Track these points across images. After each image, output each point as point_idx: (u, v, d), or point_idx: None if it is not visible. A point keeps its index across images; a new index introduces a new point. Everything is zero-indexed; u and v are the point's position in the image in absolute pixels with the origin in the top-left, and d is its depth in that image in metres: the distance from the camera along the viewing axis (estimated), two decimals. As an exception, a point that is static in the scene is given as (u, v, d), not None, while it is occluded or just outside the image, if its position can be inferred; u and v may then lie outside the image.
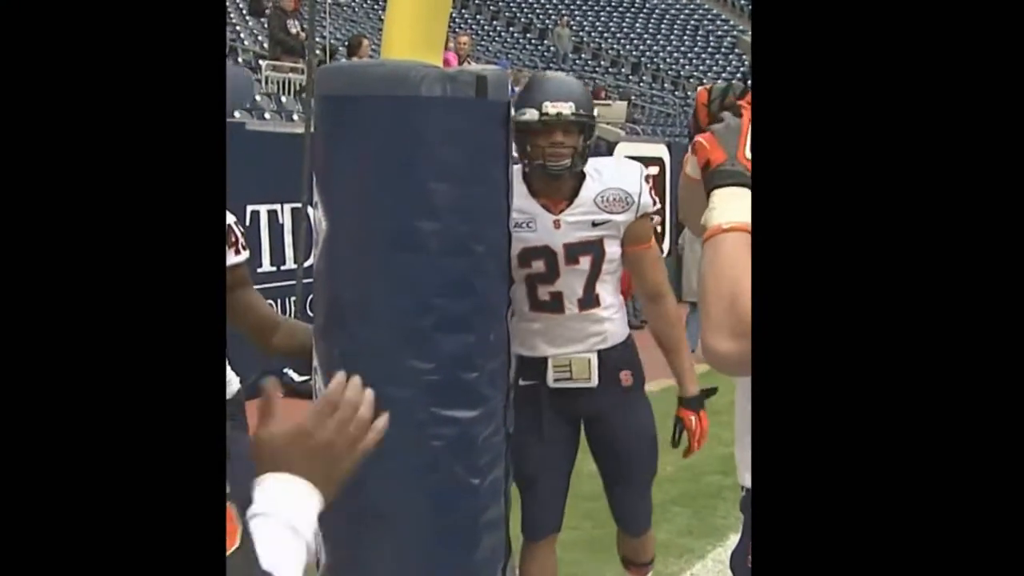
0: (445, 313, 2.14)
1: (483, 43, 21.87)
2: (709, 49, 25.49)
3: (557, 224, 2.69)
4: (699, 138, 1.46)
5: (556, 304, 2.74)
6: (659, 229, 8.57)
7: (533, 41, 24.91)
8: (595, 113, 2.72)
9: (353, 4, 20.30)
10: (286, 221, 6.73)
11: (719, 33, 25.92)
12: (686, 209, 1.90)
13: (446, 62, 2.50)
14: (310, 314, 2.40)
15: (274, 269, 6.61)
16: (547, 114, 2.61)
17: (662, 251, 3.03)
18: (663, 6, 27.10)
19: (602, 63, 24.46)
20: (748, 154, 1.43)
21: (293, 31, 11.06)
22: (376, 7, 19.93)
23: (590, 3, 27.23)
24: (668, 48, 25.63)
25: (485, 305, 2.21)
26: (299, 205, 6.24)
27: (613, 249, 2.73)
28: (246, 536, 0.96)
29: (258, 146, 6.27)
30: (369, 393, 1.14)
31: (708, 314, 1.32)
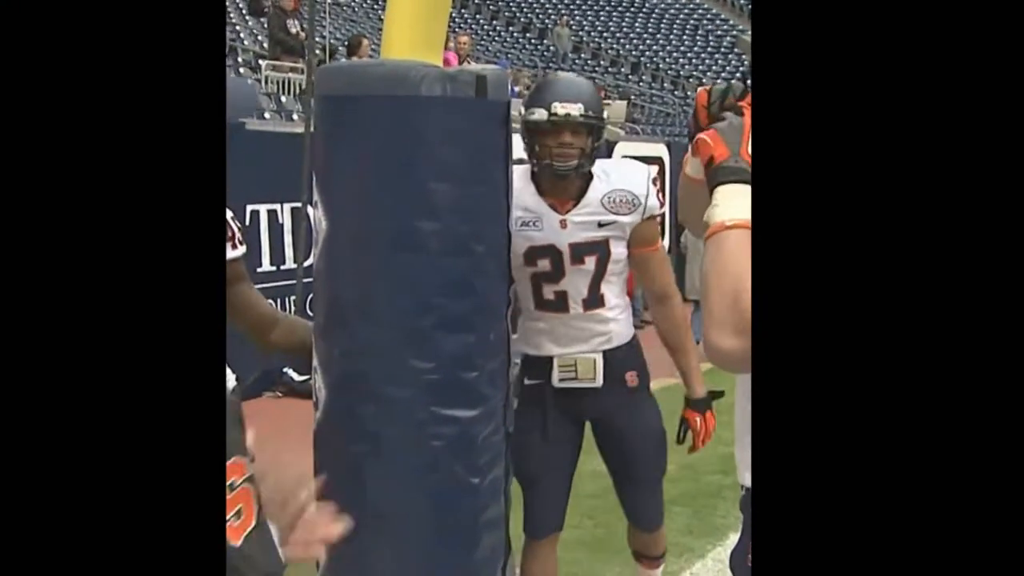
0: (445, 313, 2.15)
1: (483, 43, 21.87)
2: (709, 49, 25.48)
3: (563, 224, 2.70)
4: (702, 135, 1.46)
5: (561, 303, 2.76)
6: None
7: (533, 41, 24.90)
8: (605, 115, 2.73)
9: (353, 4, 20.30)
10: (286, 221, 6.73)
11: (719, 33, 25.91)
12: (686, 210, 1.90)
13: (446, 62, 2.49)
14: (310, 314, 2.40)
15: (274, 269, 6.61)
16: (556, 114, 2.62)
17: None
18: (662, 6, 27.09)
19: (602, 63, 24.46)
20: (751, 150, 1.43)
21: (293, 31, 11.06)
22: (376, 7, 19.92)
23: (590, 3, 27.21)
24: (668, 48, 25.62)
25: (485, 305, 2.21)
26: (299, 205, 6.25)
27: (619, 250, 2.74)
28: (261, 517, 0.96)
29: (258, 146, 6.27)
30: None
31: (711, 311, 1.32)
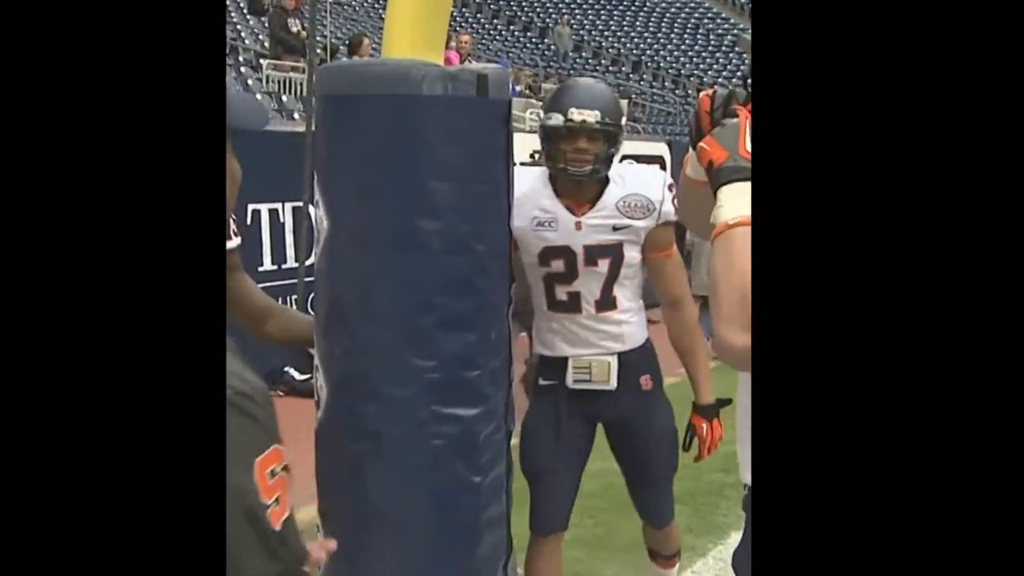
0: (446, 312, 2.15)
1: (484, 42, 21.87)
2: (710, 48, 25.47)
3: (578, 226, 2.73)
4: (701, 144, 1.49)
5: (574, 304, 2.79)
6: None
7: (533, 40, 24.89)
8: (623, 121, 2.76)
9: (354, 3, 20.29)
10: (287, 220, 6.73)
11: (719, 32, 25.90)
12: (686, 211, 1.90)
13: (447, 61, 2.50)
14: (311, 312, 2.40)
15: (275, 268, 6.61)
16: (572, 120, 2.66)
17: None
18: (663, 5, 27.08)
19: (602, 62, 24.45)
20: (748, 147, 1.44)
21: (294, 30, 11.06)
22: (377, 6, 19.92)
23: (590, 2, 27.21)
24: (668, 47, 25.61)
25: (486, 304, 2.21)
26: (300, 204, 6.24)
27: (632, 254, 2.77)
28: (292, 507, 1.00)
29: (259, 145, 6.26)
30: None
31: (720, 308, 1.33)
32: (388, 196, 2.13)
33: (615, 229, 2.73)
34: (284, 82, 11.18)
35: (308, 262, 3.26)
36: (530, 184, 2.73)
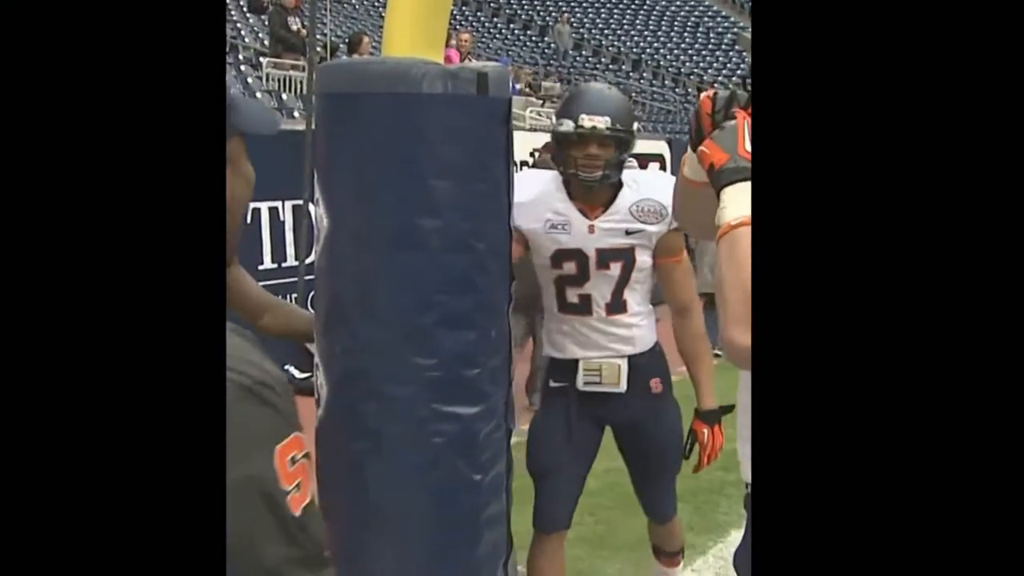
0: (446, 310, 2.14)
1: (483, 40, 21.87)
2: (709, 46, 25.46)
3: (591, 229, 2.76)
4: (701, 148, 1.51)
5: (585, 307, 2.82)
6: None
7: (533, 38, 24.89)
8: (635, 127, 2.79)
9: (353, 1, 20.29)
10: (287, 218, 6.73)
11: (719, 30, 25.89)
12: (683, 212, 1.90)
13: (447, 59, 2.50)
14: (311, 311, 2.40)
15: (275, 266, 6.62)
16: (582, 127, 2.69)
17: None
18: (663, 3, 27.06)
19: (602, 60, 24.44)
20: (748, 146, 1.44)
21: (294, 28, 11.05)
22: (376, 4, 19.92)
23: (590, 0, 27.20)
24: (668, 45, 25.60)
25: (486, 302, 2.21)
26: (300, 202, 6.24)
27: (644, 258, 2.80)
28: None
29: (259, 143, 6.25)
30: None
31: (727, 308, 1.34)
32: (388, 194, 2.13)
33: (628, 233, 2.77)
34: (284, 80, 11.18)
35: (308, 260, 3.26)
36: (544, 187, 2.77)
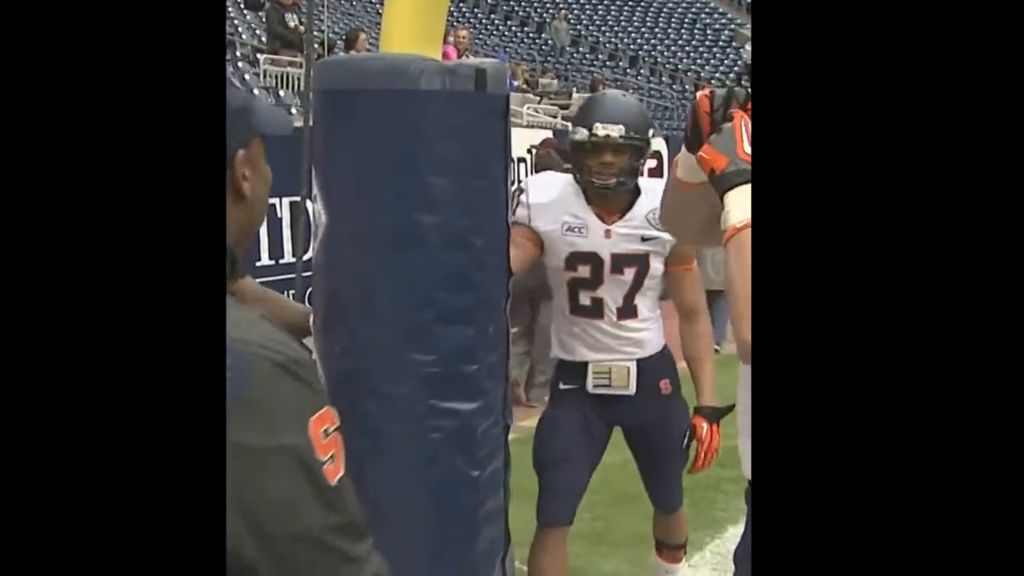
0: (445, 306, 2.15)
1: (481, 36, 21.85)
2: (707, 43, 25.45)
3: (608, 234, 2.81)
4: (700, 153, 1.52)
5: (596, 310, 2.86)
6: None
7: (531, 35, 24.88)
8: (650, 134, 2.83)
9: (351, -2, 20.26)
10: (284, 215, 6.72)
11: (717, 27, 25.88)
12: (671, 213, 1.88)
13: (445, 55, 2.50)
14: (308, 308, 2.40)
15: (272, 263, 6.61)
16: (596, 135, 2.73)
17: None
18: (660, 0, 27.05)
19: (600, 57, 24.43)
20: (747, 148, 1.44)
21: (291, 25, 11.03)
22: (373, 0, 19.88)
23: (588, -4, 27.19)
24: (666, 42, 25.59)
25: (485, 298, 2.21)
26: (298, 199, 6.23)
27: (657, 265, 2.85)
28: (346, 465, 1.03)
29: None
30: None
31: (737, 308, 1.35)
32: (386, 190, 2.13)
33: (644, 240, 2.81)
34: (281, 77, 11.15)
35: (306, 257, 3.26)
36: (562, 190, 2.81)
